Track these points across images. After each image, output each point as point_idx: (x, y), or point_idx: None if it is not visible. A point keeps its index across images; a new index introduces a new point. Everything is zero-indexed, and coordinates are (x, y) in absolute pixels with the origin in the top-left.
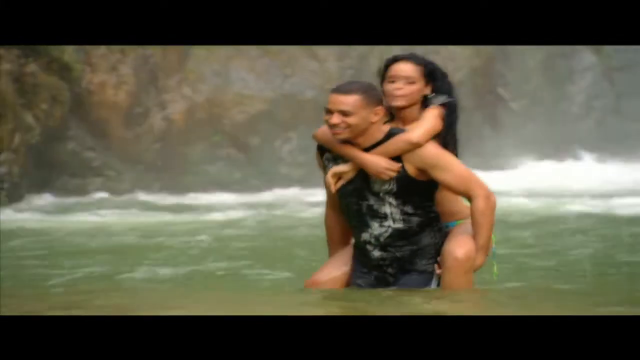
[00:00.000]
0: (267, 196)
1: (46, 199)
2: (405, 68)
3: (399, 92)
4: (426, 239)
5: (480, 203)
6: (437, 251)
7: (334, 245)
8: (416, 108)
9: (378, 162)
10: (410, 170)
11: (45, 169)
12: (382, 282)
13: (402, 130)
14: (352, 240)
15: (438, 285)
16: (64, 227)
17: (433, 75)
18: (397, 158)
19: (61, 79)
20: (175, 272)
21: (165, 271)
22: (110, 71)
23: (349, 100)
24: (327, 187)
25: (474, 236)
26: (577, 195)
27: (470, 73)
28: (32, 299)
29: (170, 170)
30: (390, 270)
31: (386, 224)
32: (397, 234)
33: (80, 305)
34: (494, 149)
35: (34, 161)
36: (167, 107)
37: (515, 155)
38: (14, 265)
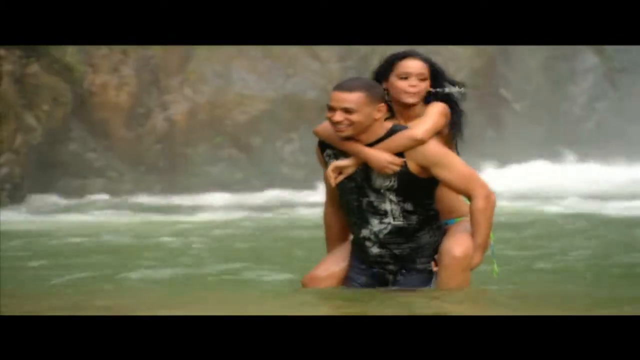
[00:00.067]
0: (268, 197)
1: (47, 199)
2: (417, 65)
3: (413, 89)
4: (425, 237)
5: (480, 202)
6: (436, 249)
7: (332, 241)
8: (420, 104)
9: (381, 156)
10: (412, 167)
11: (47, 169)
12: (380, 278)
13: (404, 127)
14: (351, 237)
15: None
16: (65, 228)
17: (435, 72)
18: (399, 154)
19: (63, 79)
20: (175, 272)
21: (165, 272)
22: (112, 72)
23: (352, 98)
24: (327, 182)
25: (473, 235)
26: (578, 196)
27: (472, 74)
28: (33, 299)
29: (172, 171)
30: (389, 267)
31: (386, 220)
32: (396, 231)
33: (81, 305)
34: (496, 150)
35: (35, 162)
36: (169, 108)
37: (517, 156)
38: (14, 265)
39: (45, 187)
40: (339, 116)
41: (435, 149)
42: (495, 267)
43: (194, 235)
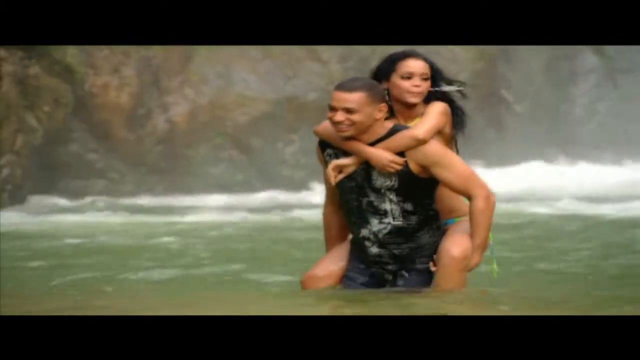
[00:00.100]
0: (269, 198)
1: (48, 200)
2: (419, 65)
3: (417, 90)
4: (425, 237)
5: (480, 203)
6: (435, 249)
7: (331, 240)
8: (420, 104)
9: (383, 155)
10: (413, 166)
11: (48, 170)
12: (379, 278)
13: (405, 127)
14: (350, 236)
15: None
16: (66, 229)
17: (434, 72)
18: (400, 154)
19: (64, 81)
20: (175, 273)
21: (165, 273)
22: (113, 73)
23: (354, 98)
24: (327, 181)
25: (472, 235)
26: (578, 197)
27: (473, 75)
28: (33, 299)
29: (173, 172)
30: (388, 267)
31: (386, 220)
32: (396, 231)
33: (81, 305)
34: (497, 151)
35: (36, 163)
36: (170, 109)
37: (518, 157)
38: (15, 266)
39: (46, 188)
40: (340, 116)
41: (436, 148)
42: (495, 267)
43: (194, 236)
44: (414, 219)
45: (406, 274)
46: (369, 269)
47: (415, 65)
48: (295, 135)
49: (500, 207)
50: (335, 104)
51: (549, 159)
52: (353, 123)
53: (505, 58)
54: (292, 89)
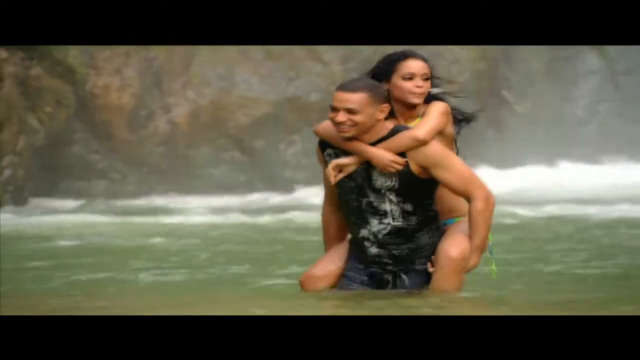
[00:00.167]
0: (271, 199)
1: (50, 201)
2: (420, 65)
3: (419, 90)
4: (424, 238)
5: (479, 204)
6: (434, 250)
7: (330, 240)
8: (421, 104)
9: (384, 155)
10: (413, 167)
11: (50, 171)
12: (378, 279)
13: (406, 127)
14: (348, 236)
15: None
16: (67, 230)
17: (432, 72)
18: (401, 154)
19: (65, 82)
20: (175, 274)
21: (166, 273)
22: (115, 74)
23: (356, 99)
24: (327, 181)
25: (470, 236)
26: (580, 198)
27: (475, 76)
28: (33, 299)
29: (174, 173)
30: (388, 267)
31: (385, 221)
32: (395, 232)
33: (81, 305)
34: (498, 152)
35: (38, 164)
36: (172, 110)
37: (519, 158)
38: (16, 267)
39: (47, 189)
40: (342, 116)
41: (437, 149)
42: (494, 267)
43: (195, 237)
44: (413, 220)
45: (405, 278)
46: (368, 268)
47: (416, 66)
48: (297, 136)
49: (500, 207)
50: (337, 104)
51: (549, 159)
52: (355, 124)
53: (506, 59)
54: (293, 90)
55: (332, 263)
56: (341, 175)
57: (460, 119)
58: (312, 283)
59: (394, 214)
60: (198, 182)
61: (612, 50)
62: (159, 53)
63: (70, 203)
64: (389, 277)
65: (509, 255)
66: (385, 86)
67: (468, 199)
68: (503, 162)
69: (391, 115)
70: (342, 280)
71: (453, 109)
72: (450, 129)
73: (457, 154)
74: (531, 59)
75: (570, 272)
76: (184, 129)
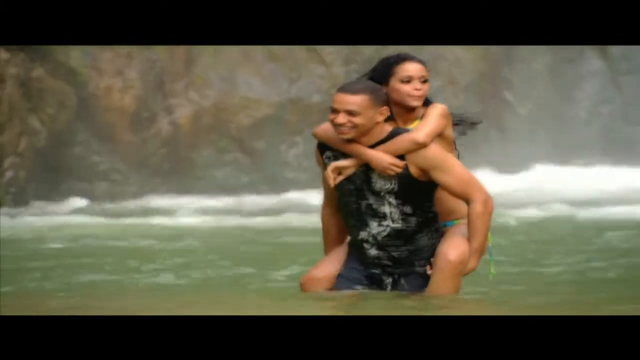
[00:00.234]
0: (273, 200)
1: (52, 203)
2: (418, 67)
3: (418, 93)
4: (424, 240)
5: (478, 207)
6: (434, 252)
7: (330, 243)
8: (420, 107)
9: (383, 157)
10: (413, 170)
11: (51, 173)
12: (377, 280)
13: (405, 130)
14: (348, 238)
15: None
16: (69, 231)
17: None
18: (400, 157)
19: (67, 83)
20: (176, 274)
21: (166, 274)
22: (117, 75)
23: (356, 100)
24: (326, 184)
25: (469, 239)
26: (582, 199)
27: (477, 77)
28: (33, 300)
29: (177, 175)
30: (387, 269)
31: (385, 223)
32: (395, 234)
33: (81, 305)
34: (500, 153)
35: (40, 165)
36: (174, 112)
37: (521, 159)
38: (17, 268)
39: (49, 191)
40: (342, 118)
41: (436, 152)
42: (492, 269)
43: (196, 238)
44: (413, 222)
45: (405, 281)
46: (367, 270)
47: (413, 69)
48: (299, 138)
49: (502, 209)
50: (337, 106)
51: (551, 161)
52: (355, 125)
53: (508, 60)
54: (295, 92)
55: (332, 265)
56: (340, 178)
57: (463, 125)
58: (312, 285)
59: (394, 216)
60: (200, 184)
61: (614, 51)
62: (161, 54)
63: (72, 204)
64: (389, 279)
65: (510, 255)
66: (384, 89)
67: (467, 201)
68: (505, 163)
69: (390, 118)
70: (338, 280)
71: (457, 115)
72: (449, 132)
73: (458, 157)
74: (533, 60)
75: (571, 272)
76: (186, 130)
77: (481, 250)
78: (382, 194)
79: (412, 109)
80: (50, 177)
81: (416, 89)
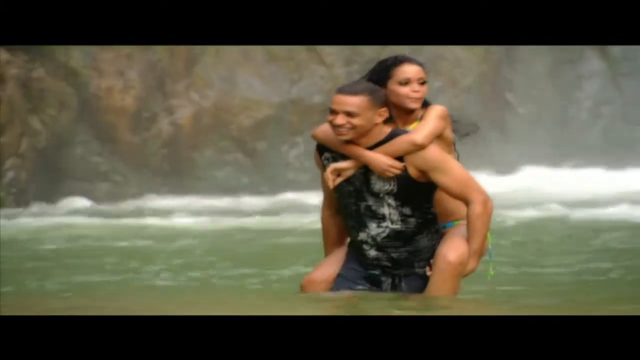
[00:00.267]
0: (273, 201)
1: (53, 203)
2: (415, 69)
3: (416, 95)
4: (423, 241)
5: (477, 208)
6: (434, 253)
7: (330, 244)
8: (419, 108)
9: (381, 159)
10: (412, 171)
11: (52, 173)
12: (376, 281)
13: (404, 131)
14: (348, 239)
15: None
16: (70, 231)
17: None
18: (399, 158)
19: (68, 84)
20: (176, 275)
21: (166, 275)
22: (118, 76)
23: (355, 101)
24: (325, 185)
25: (468, 240)
26: (583, 200)
27: (478, 78)
28: (34, 300)
29: (178, 175)
30: (387, 270)
31: (384, 224)
32: (394, 235)
33: (81, 306)
34: (501, 154)
35: (40, 166)
36: (175, 112)
37: (522, 160)
38: (18, 268)
39: (50, 191)
40: (340, 119)
41: (435, 153)
42: (491, 270)
43: (197, 238)
44: (412, 223)
45: (404, 282)
46: (367, 271)
47: (411, 71)
48: (300, 138)
49: (503, 209)
50: (336, 107)
51: (552, 162)
52: (353, 127)
53: (509, 61)
54: (296, 92)
55: (331, 267)
56: (339, 180)
57: (460, 131)
58: (312, 287)
59: (393, 218)
60: (201, 184)
61: (614, 52)
62: (161, 55)
63: (73, 205)
64: (388, 280)
65: (510, 256)
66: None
67: (466, 202)
68: (506, 164)
69: (389, 119)
70: (337, 280)
71: (455, 121)
72: (448, 133)
73: (457, 158)
74: (534, 61)
75: (571, 273)
76: (186, 131)
77: (481, 252)
78: (381, 195)
79: (411, 111)
80: (51, 178)
81: (414, 91)
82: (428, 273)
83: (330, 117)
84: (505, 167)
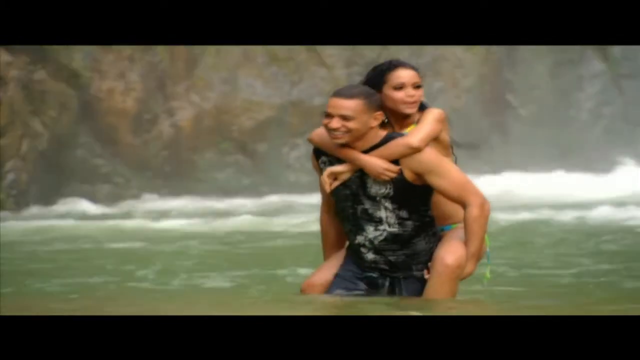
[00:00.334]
0: (274, 202)
1: (54, 205)
2: (409, 74)
3: (411, 99)
4: (421, 244)
5: (474, 211)
6: (432, 256)
7: (329, 248)
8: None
9: (377, 162)
10: (407, 174)
11: (53, 175)
12: (374, 284)
13: (400, 134)
14: (347, 242)
15: None
16: (70, 233)
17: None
18: (395, 162)
19: (69, 85)
20: (176, 277)
21: (166, 276)
22: (119, 78)
23: (350, 105)
24: (323, 189)
25: (466, 243)
26: (584, 202)
27: (478, 79)
28: (34, 300)
29: (178, 177)
30: (385, 273)
31: (381, 227)
32: (391, 238)
33: (81, 306)
34: (503, 155)
35: (41, 168)
36: (175, 114)
37: (523, 162)
38: (18, 270)
39: (51, 193)
40: (336, 123)
41: (431, 156)
42: (488, 273)
43: (198, 240)
44: (409, 226)
45: (405, 282)
46: (365, 273)
47: (405, 75)
48: (301, 140)
49: (505, 211)
50: (331, 110)
51: (554, 163)
52: (348, 130)
53: (510, 62)
54: (297, 94)
55: (331, 271)
56: (336, 183)
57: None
58: (312, 291)
59: (390, 221)
60: (202, 186)
61: (615, 53)
62: (162, 57)
63: (74, 207)
64: (386, 283)
65: (511, 257)
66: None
67: (463, 205)
68: (507, 166)
69: (386, 123)
70: (335, 280)
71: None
72: (445, 136)
73: (455, 161)
74: (535, 62)
75: (572, 274)
76: (187, 132)
77: (478, 254)
78: (377, 198)
79: (408, 115)
80: (52, 180)
81: (409, 96)
82: (426, 276)
83: (326, 121)
84: (506, 169)
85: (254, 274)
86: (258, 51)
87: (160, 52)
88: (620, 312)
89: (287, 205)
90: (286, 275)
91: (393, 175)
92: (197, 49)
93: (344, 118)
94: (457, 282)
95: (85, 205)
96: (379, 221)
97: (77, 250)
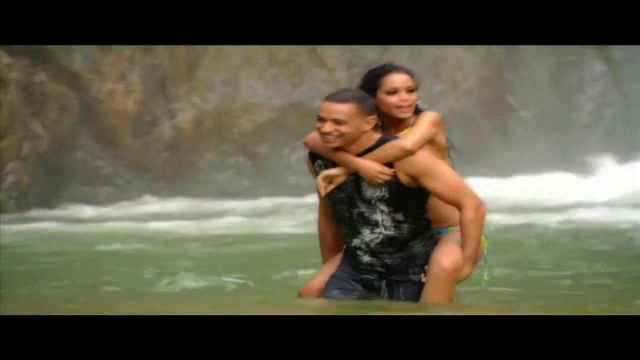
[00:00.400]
0: (275, 204)
1: (54, 207)
2: (403, 78)
3: (405, 104)
4: (418, 247)
5: (470, 213)
6: (428, 259)
7: (327, 251)
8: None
9: (371, 166)
10: (402, 177)
11: (54, 177)
12: (371, 287)
13: (394, 138)
14: (344, 245)
15: None
16: (71, 235)
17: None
18: (389, 165)
19: (70, 88)
20: (177, 278)
21: (167, 278)
22: (119, 80)
23: (343, 109)
24: (319, 192)
25: (463, 246)
26: (585, 204)
27: (479, 82)
28: (34, 301)
29: (179, 179)
30: (383, 276)
31: (377, 231)
32: (388, 241)
33: (81, 306)
34: (504, 158)
35: (42, 170)
36: (176, 116)
37: (524, 164)
38: (19, 270)
39: (52, 195)
40: (328, 127)
41: (425, 159)
42: (485, 276)
43: (199, 242)
44: (405, 229)
45: (402, 286)
46: (361, 275)
47: (399, 80)
48: (301, 142)
49: (506, 213)
50: (324, 114)
51: (555, 165)
52: (341, 134)
53: (511, 64)
54: (298, 96)
55: (328, 276)
56: (332, 187)
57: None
58: (310, 295)
59: (386, 224)
60: (202, 188)
61: (616, 55)
62: (163, 59)
63: (75, 209)
64: (383, 285)
65: (512, 259)
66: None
67: (459, 208)
68: (508, 168)
69: (379, 127)
70: (331, 281)
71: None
72: (441, 139)
73: (452, 164)
74: (535, 64)
75: (572, 275)
76: (188, 134)
77: (475, 257)
78: (373, 202)
79: (403, 119)
80: (52, 182)
81: (402, 100)
82: (423, 280)
83: (319, 125)
84: (507, 171)
85: (254, 276)
86: (259, 53)
87: (161, 54)
88: (617, 312)
89: (287, 207)
90: (286, 277)
91: (387, 178)
92: (197, 50)
93: (337, 122)
94: (454, 285)
95: (86, 207)
96: (375, 224)
97: (78, 252)
